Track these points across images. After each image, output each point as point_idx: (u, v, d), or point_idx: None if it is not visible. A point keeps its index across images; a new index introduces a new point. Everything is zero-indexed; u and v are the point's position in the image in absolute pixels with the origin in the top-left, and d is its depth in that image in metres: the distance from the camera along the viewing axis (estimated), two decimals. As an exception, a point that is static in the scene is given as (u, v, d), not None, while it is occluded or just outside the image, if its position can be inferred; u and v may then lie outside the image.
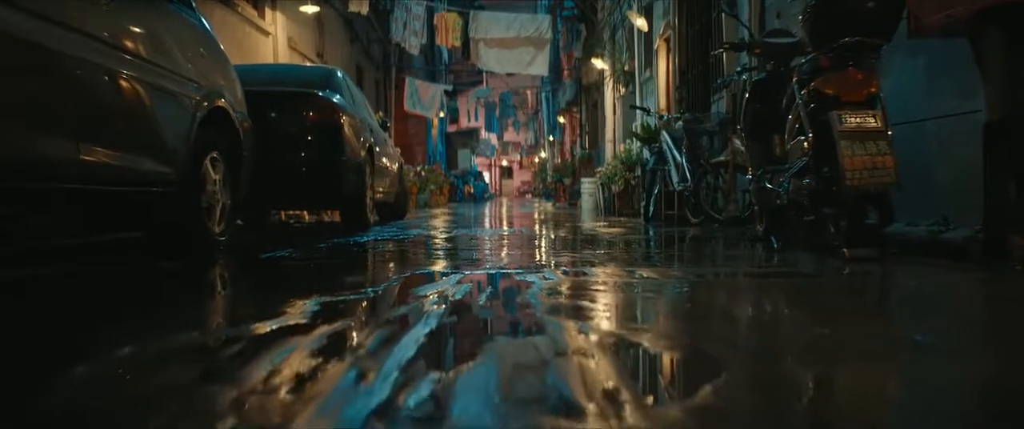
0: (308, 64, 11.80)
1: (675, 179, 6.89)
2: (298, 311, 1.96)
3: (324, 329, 1.71)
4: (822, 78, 3.40)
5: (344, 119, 6.13)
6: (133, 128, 3.37)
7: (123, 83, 3.21)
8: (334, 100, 6.18)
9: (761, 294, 2.46)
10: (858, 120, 3.24)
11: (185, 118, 3.86)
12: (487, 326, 1.88)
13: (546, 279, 2.67)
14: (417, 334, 1.65)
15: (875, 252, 3.22)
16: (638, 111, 11.06)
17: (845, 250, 3.22)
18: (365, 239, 5.17)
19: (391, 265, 3.46)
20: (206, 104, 4.08)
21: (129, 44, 3.29)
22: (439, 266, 3.31)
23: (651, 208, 7.59)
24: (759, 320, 2.02)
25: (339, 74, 7.13)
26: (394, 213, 9.08)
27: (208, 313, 2.16)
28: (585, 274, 2.82)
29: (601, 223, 7.49)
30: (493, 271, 3.01)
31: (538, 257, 3.70)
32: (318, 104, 6.02)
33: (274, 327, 1.76)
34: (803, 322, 1.97)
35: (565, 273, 2.87)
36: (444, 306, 2.04)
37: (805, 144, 3.49)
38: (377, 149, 7.54)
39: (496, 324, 1.91)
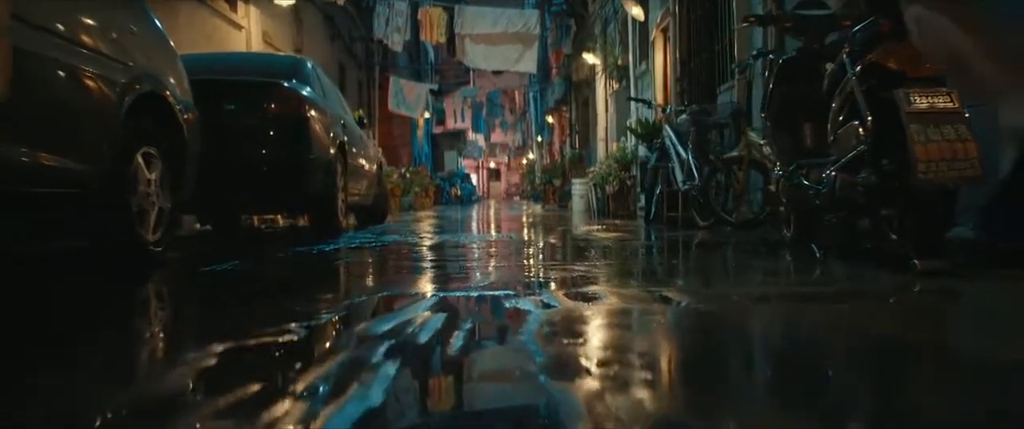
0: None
1: (679, 178, 6.24)
2: (184, 367, 1.30)
3: (195, 414, 1.05)
4: (883, 49, 2.75)
5: (311, 112, 5.45)
6: (24, 112, 2.69)
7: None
8: (299, 91, 5.50)
9: (847, 329, 1.80)
10: (929, 99, 2.60)
11: (107, 104, 3.19)
12: (459, 407, 1.21)
13: (545, 306, 2.01)
14: (341, 425, 0.99)
15: (949, 264, 2.59)
16: (634, 106, 10.43)
17: (916, 261, 2.58)
18: (331, 248, 4.49)
19: (349, 284, 2.79)
20: (137, 89, 3.43)
21: (16, 5, 2.62)
22: (409, 285, 2.65)
23: (652, 210, 6.95)
24: (883, 389, 1.37)
25: (309, 65, 6.45)
26: (373, 217, 8.40)
27: (43, 368, 1.47)
28: (595, 298, 2.16)
29: (597, 226, 6.84)
30: (476, 293, 2.34)
31: (532, 271, 3.04)
32: (281, 95, 5.33)
33: (127, 404, 1.09)
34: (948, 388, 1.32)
35: (569, 296, 2.21)
36: (399, 361, 1.37)
37: (860, 131, 2.85)
38: (353, 148, 6.86)
39: (474, 404, 1.23)
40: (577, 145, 18.78)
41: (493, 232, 6.37)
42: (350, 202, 6.78)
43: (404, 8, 16.47)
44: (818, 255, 3.30)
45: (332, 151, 5.81)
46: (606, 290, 2.32)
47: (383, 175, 9.09)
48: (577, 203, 12.44)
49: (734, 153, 5.37)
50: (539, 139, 29.71)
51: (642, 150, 9.05)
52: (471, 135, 36.35)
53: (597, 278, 2.72)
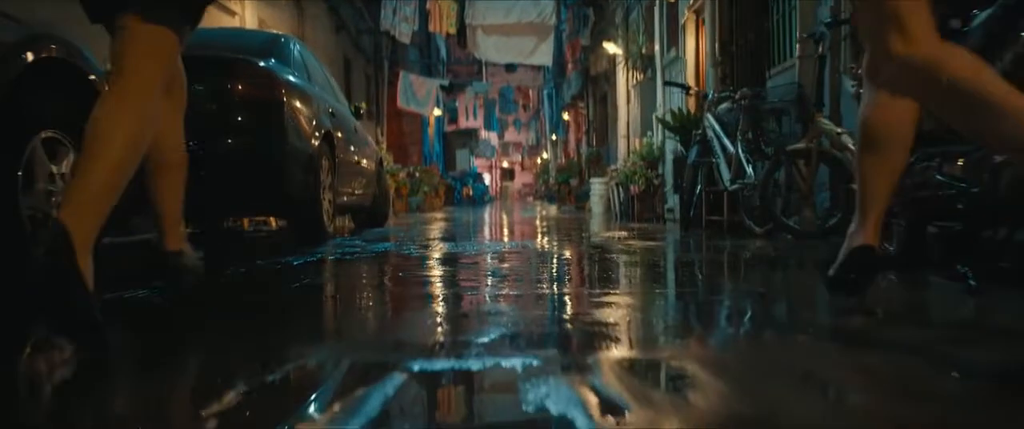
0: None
1: (726, 176, 5.27)
2: None
3: None
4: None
5: (287, 95, 4.53)
6: None
7: None
8: (272, 70, 4.58)
9: None
10: None
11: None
12: None
13: (603, 406, 1.06)
14: None
15: None
16: (661, 97, 9.50)
17: None
18: (305, 261, 3.57)
19: (285, 334, 1.85)
20: (32, 53, 2.57)
21: None
22: (374, 339, 1.71)
23: (691, 213, 5.98)
24: None
25: (292, 43, 5.55)
26: (372, 219, 7.48)
27: None
28: (681, 378, 1.21)
29: (627, 233, 5.88)
30: (476, 362, 1.40)
31: (561, 310, 2.09)
32: (249, 73, 4.41)
33: None
34: None
35: (635, 374, 1.26)
36: None
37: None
38: (347, 143, 5.95)
39: None
40: (594, 143, 17.80)
41: (506, 240, 5.42)
42: (342, 203, 5.87)
43: (413, -2, 15.58)
44: (974, 284, 2.31)
45: (315, 143, 4.88)
46: (686, 359, 1.37)
47: (383, 173, 8.16)
48: (597, 205, 11.51)
49: (799, 145, 4.39)
50: (554, 137, 28.72)
51: (670, 145, 8.09)
52: (484, 133, 35.40)
53: (668, 325, 1.77)
